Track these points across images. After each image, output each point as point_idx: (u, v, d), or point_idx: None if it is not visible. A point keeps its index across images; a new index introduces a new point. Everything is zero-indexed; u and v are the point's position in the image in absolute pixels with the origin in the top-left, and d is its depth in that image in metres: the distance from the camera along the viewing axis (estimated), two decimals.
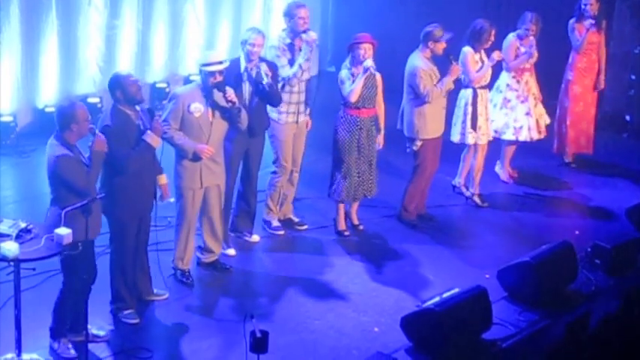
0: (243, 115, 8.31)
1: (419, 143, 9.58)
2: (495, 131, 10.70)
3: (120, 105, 7.51)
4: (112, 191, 7.48)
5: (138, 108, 7.60)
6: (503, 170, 11.09)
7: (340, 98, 9.20)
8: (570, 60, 11.38)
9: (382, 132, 9.35)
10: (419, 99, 9.45)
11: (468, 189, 10.43)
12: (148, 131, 7.54)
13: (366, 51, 9.00)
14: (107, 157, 7.33)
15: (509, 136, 10.80)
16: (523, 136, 10.84)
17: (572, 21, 11.28)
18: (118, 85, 7.50)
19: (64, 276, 7.24)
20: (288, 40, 9.18)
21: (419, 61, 9.47)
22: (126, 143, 7.47)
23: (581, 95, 11.43)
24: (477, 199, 10.40)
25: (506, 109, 10.75)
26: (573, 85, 11.41)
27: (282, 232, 9.50)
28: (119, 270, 7.78)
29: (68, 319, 7.30)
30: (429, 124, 9.55)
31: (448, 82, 9.47)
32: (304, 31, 9.10)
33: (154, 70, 12.71)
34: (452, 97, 9.95)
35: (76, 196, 6.95)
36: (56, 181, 7.04)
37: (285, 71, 9.05)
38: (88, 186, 7.04)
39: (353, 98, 9.05)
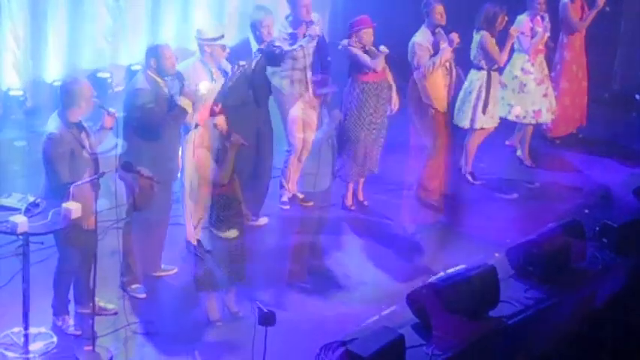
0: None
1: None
2: (517, 117, 10.64)
3: (150, 71, 7.60)
4: (137, 158, 7.43)
5: (168, 79, 7.66)
6: (524, 154, 10.93)
7: (348, 70, 9.19)
8: (565, 40, 11.15)
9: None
10: (418, 72, 9.44)
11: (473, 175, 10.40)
12: (181, 96, 7.60)
13: (370, 35, 9.09)
14: (136, 122, 7.36)
15: (529, 120, 10.70)
16: (543, 119, 10.77)
17: (564, 0, 11.07)
18: (154, 54, 7.65)
19: (58, 250, 7.28)
20: (290, 30, 9.14)
21: (418, 36, 9.49)
22: (156, 109, 7.51)
23: (575, 74, 11.34)
24: (469, 176, 10.36)
25: (523, 94, 10.62)
26: (572, 64, 11.27)
27: (287, 207, 9.50)
28: (136, 242, 7.76)
29: (67, 295, 7.32)
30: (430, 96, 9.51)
31: (443, 56, 9.33)
32: (307, 22, 9.08)
33: None
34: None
35: (53, 186, 6.91)
36: (44, 162, 7.00)
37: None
38: (64, 181, 6.88)
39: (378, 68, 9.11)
